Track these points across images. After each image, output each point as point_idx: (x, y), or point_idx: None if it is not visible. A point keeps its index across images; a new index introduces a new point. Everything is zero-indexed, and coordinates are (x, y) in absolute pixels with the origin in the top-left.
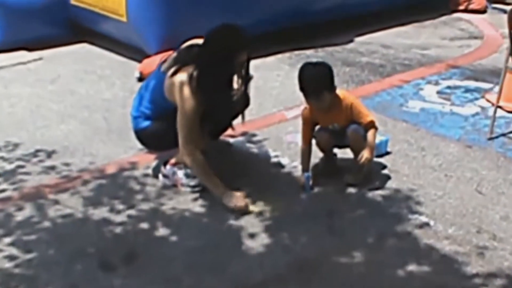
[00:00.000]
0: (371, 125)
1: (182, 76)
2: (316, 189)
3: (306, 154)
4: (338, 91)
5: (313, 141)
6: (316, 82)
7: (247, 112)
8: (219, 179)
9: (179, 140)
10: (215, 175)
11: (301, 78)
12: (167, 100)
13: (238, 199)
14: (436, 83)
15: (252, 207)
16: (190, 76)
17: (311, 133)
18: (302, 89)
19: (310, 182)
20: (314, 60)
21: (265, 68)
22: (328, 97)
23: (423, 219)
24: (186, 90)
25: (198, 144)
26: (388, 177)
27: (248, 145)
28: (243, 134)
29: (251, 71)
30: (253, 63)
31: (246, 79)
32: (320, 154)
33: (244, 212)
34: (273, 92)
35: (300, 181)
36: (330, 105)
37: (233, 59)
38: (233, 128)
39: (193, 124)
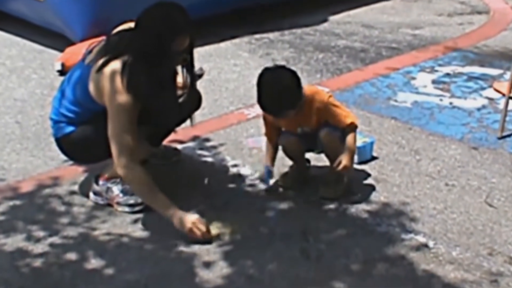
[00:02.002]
0: (352, 127)
1: (115, 66)
2: (286, 205)
3: (270, 149)
4: (307, 88)
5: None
6: (276, 102)
7: (197, 112)
8: (166, 196)
9: (112, 150)
10: (160, 192)
11: (259, 94)
12: (95, 101)
13: (195, 222)
14: (432, 71)
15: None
16: (122, 69)
17: (276, 134)
18: (260, 106)
19: (272, 175)
20: (279, 45)
21: (219, 56)
22: (292, 113)
23: (420, 239)
24: (118, 85)
25: (136, 153)
26: (374, 188)
27: (200, 152)
28: (194, 138)
29: (203, 64)
30: (204, 50)
31: (192, 71)
32: (289, 161)
33: (205, 239)
34: (229, 85)
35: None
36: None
37: (171, 46)
38: (175, 131)
39: (128, 128)
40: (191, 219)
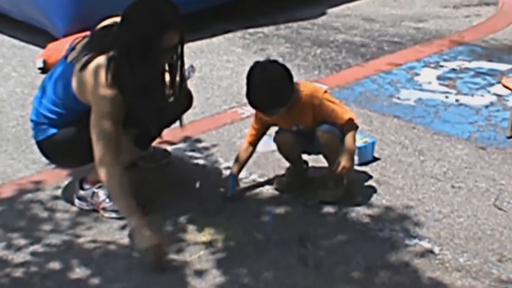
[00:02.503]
0: (350, 124)
1: (99, 61)
2: (282, 210)
3: (243, 153)
4: (302, 84)
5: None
6: (265, 98)
7: (188, 111)
8: (139, 206)
9: (94, 147)
10: (133, 198)
11: (247, 89)
12: (79, 101)
13: (154, 245)
14: (437, 66)
15: (201, 236)
16: (107, 65)
17: (260, 133)
18: (249, 102)
19: (237, 184)
20: (274, 40)
21: (211, 52)
22: (282, 110)
23: (425, 244)
24: (103, 80)
25: (119, 154)
26: (376, 191)
27: (192, 153)
28: (185, 139)
29: (195, 60)
30: (196, 45)
31: (182, 69)
32: (286, 163)
33: (156, 265)
34: (222, 83)
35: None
36: (289, 107)
37: (160, 42)
38: (160, 136)
39: (113, 127)
40: (153, 241)
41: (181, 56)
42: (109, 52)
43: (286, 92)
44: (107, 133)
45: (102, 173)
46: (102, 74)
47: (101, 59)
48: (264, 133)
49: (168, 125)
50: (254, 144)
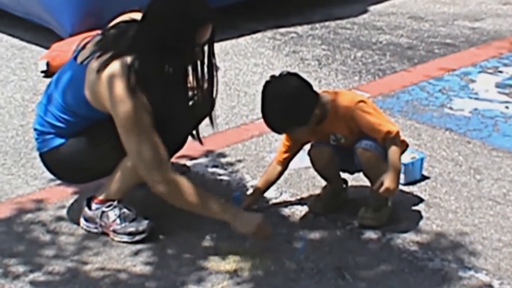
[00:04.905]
0: (392, 138)
1: (120, 64)
2: (317, 234)
3: (270, 172)
4: (334, 93)
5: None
6: (280, 120)
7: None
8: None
9: (138, 169)
10: (211, 195)
11: (261, 110)
12: (91, 107)
13: (260, 224)
14: (495, 72)
15: (224, 264)
16: (129, 70)
17: (292, 151)
18: (266, 124)
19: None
20: (308, 42)
21: (237, 54)
22: (304, 129)
23: (482, 277)
24: (126, 88)
25: (168, 162)
26: (425, 215)
27: (214, 169)
28: (207, 153)
29: (218, 63)
30: (220, 46)
31: (212, 67)
32: (321, 181)
33: (268, 239)
34: (249, 90)
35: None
36: (317, 121)
37: (189, 40)
38: (201, 143)
39: (153, 137)
40: (256, 221)
41: (211, 52)
42: (129, 54)
43: (305, 110)
44: (146, 149)
45: (166, 191)
46: (125, 82)
47: (122, 61)
48: (297, 151)
49: (191, 131)
50: (284, 163)
